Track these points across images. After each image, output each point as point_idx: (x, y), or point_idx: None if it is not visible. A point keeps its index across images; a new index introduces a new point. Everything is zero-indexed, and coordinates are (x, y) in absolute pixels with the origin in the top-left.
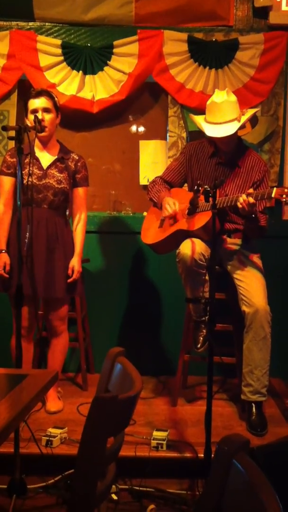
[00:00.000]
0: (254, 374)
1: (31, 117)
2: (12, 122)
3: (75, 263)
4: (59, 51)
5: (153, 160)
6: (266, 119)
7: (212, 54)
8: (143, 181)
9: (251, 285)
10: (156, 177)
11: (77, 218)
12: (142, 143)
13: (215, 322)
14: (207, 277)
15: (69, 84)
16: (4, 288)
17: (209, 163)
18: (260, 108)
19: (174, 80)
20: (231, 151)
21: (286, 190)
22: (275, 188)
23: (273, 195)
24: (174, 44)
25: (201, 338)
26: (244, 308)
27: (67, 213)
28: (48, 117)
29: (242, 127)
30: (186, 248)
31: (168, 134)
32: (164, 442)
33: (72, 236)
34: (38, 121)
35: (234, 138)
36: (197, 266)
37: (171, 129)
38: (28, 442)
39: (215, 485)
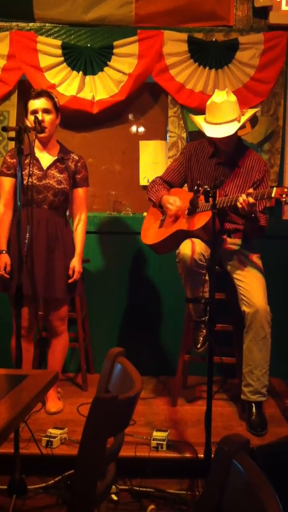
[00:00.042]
0: (254, 374)
1: (31, 117)
2: (12, 122)
3: (75, 263)
4: (59, 51)
5: (153, 160)
6: (266, 119)
7: (212, 54)
8: (143, 181)
9: (251, 285)
10: (156, 177)
11: (77, 218)
12: (142, 144)
13: (215, 322)
14: (207, 277)
15: (69, 84)
16: (4, 288)
17: (209, 163)
18: (260, 108)
19: (174, 80)
20: (231, 151)
21: (286, 190)
22: (275, 188)
23: (273, 195)
24: (174, 44)
25: (201, 338)
26: (244, 308)
27: (67, 213)
28: (48, 118)
29: (242, 127)
30: (186, 248)
31: (168, 134)
32: (164, 442)
33: (72, 236)
34: (38, 121)
35: (234, 138)
36: (197, 266)
37: (171, 129)
38: (28, 442)
39: (215, 485)
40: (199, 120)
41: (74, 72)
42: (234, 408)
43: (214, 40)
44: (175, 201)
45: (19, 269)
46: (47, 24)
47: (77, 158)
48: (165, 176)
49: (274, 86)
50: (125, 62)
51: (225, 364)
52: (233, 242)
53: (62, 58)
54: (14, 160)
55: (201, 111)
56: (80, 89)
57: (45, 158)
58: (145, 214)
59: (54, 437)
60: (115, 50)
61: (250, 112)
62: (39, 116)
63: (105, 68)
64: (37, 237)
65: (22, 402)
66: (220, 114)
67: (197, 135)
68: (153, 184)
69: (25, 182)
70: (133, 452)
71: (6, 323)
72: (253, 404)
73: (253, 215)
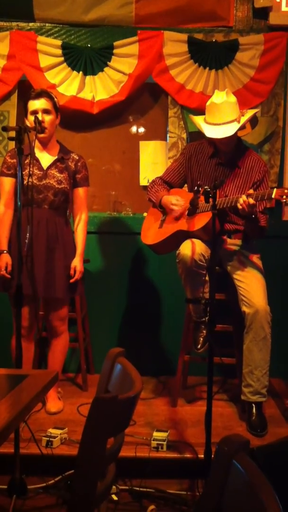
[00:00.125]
0: (254, 374)
1: (31, 118)
2: (12, 122)
3: (77, 263)
4: (59, 51)
5: (153, 160)
6: (266, 120)
7: (212, 55)
8: (143, 181)
9: (251, 286)
10: (156, 178)
11: (78, 218)
12: (142, 144)
13: (215, 323)
14: (207, 278)
15: (69, 84)
16: (4, 288)
17: (209, 163)
18: (260, 109)
19: (174, 81)
20: (231, 151)
21: (286, 190)
22: (275, 189)
23: (273, 195)
24: (174, 44)
25: (201, 339)
26: (244, 308)
27: (68, 213)
28: (48, 118)
29: (242, 128)
30: (186, 248)
31: (168, 135)
32: (164, 443)
33: (73, 236)
34: (38, 121)
35: (234, 139)
36: (197, 266)
37: (171, 130)
38: (28, 442)
39: (215, 485)
40: (199, 120)
41: (74, 72)
42: (234, 408)
43: (214, 40)
44: (178, 200)
45: (19, 269)
46: (47, 24)
47: (77, 158)
48: (165, 176)
49: (274, 87)
50: (125, 62)
51: (225, 364)
52: (233, 243)
53: (62, 58)
54: (14, 160)
55: (201, 111)
56: (80, 89)
57: (45, 158)
58: (145, 214)
59: (54, 437)
60: (115, 51)
61: (250, 113)
62: (39, 116)
63: (105, 68)
64: (37, 237)
65: (22, 402)
66: (220, 114)
67: (197, 135)
68: (153, 184)
69: (25, 182)
70: (133, 452)
71: (7, 323)
72: (253, 405)
73: (253, 216)
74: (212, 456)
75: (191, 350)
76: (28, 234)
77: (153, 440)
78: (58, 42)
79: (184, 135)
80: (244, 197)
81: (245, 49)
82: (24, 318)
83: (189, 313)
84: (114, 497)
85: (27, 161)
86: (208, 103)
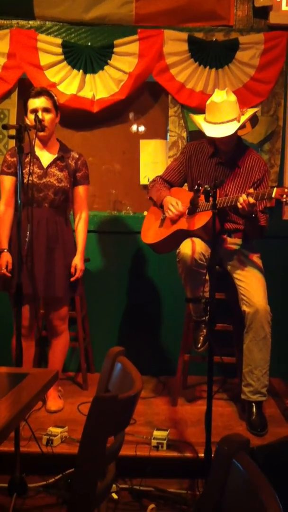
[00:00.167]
0: (254, 374)
1: (31, 116)
2: (13, 121)
3: (77, 261)
4: (60, 50)
5: (153, 159)
6: (266, 119)
7: (212, 54)
8: (143, 180)
9: (251, 285)
10: (156, 177)
11: (78, 216)
12: (143, 143)
13: (215, 322)
14: (207, 277)
15: (69, 83)
16: (5, 287)
17: (209, 163)
18: (260, 108)
19: (174, 80)
20: (231, 151)
21: (286, 190)
22: (275, 188)
23: (273, 195)
24: (174, 43)
25: (201, 338)
26: (244, 308)
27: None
28: (48, 117)
29: (242, 127)
30: (186, 248)
31: (168, 134)
32: (165, 442)
33: (73, 235)
34: (38, 120)
35: (234, 138)
36: (197, 266)
37: (171, 129)
38: (29, 441)
39: (215, 485)
40: (199, 119)
41: (75, 71)
42: (234, 408)
43: (214, 40)
44: (178, 204)
45: (19, 268)
46: (47, 23)
47: (77, 156)
48: (165, 175)
49: (274, 86)
50: (125, 61)
51: (225, 364)
52: (233, 242)
53: (62, 57)
54: (14, 159)
55: (201, 110)
56: (80, 88)
57: (45, 157)
58: (145, 213)
59: (55, 436)
60: (115, 49)
61: (250, 112)
62: (39, 115)
63: (106, 67)
64: (37, 236)
65: (22, 400)
66: (220, 113)
67: (197, 134)
68: (153, 183)
69: (25, 180)
70: (134, 451)
71: (7, 323)
72: (253, 404)
73: (253, 215)
74: (212, 455)
75: (191, 349)
76: (28, 233)
77: (153, 439)
78: (59, 41)
79: (184, 134)
80: (244, 196)
81: (245, 48)
82: (24, 318)
83: (189, 313)
84: (114, 496)
85: (27, 159)
86: (208, 102)
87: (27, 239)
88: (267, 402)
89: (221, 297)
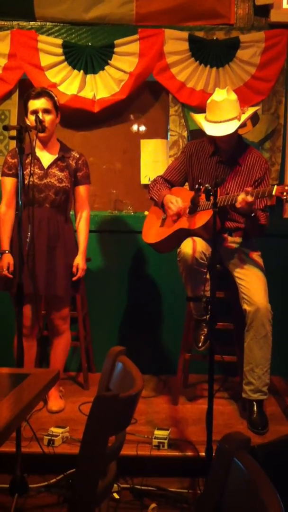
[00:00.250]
0: (255, 372)
1: (31, 117)
2: (13, 121)
3: (79, 261)
4: (60, 50)
5: (154, 159)
6: (267, 117)
7: (213, 53)
8: (144, 180)
9: (252, 284)
10: (157, 176)
11: (79, 216)
12: (143, 142)
13: (216, 321)
14: (208, 276)
15: (70, 83)
16: (6, 287)
17: (210, 161)
18: (261, 106)
19: (175, 79)
20: (231, 149)
21: (286, 187)
22: (275, 186)
23: (274, 192)
24: (175, 42)
25: (202, 337)
26: (245, 306)
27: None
28: (48, 118)
29: (243, 125)
30: (187, 247)
31: (169, 133)
32: (166, 441)
33: (74, 234)
34: (39, 120)
35: (234, 137)
36: (198, 264)
37: (172, 128)
38: (30, 441)
39: (215, 483)
40: (199, 118)
41: (75, 71)
42: (235, 406)
43: (215, 38)
44: (177, 201)
45: (20, 268)
46: (48, 23)
47: (77, 156)
48: (166, 175)
49: (275, 84)
50: (126, 60)
51: (226, 362)
52: (234, 241)
53: (63, 57)
54: (15, 160)
55: (202, 109)
56: (81, 88)
57: (46, 157)
58: (146, 213)
59: (56, 436)
60: (116, 49)
61: (250, 111)
62: (40, 116)
63: (106, 67)
64: (38, 236)
65: (23, 400)
66: (220, 112)
67: (198, 133)
68: (154, 183)
69: (26, 181)
70: (135, 450)
71: (9, 323)
72: (254, 403)
73: (252, 214)
74: (213, 454)
75: (192, 348)
76: (29, 233)
77: (154, 439)
78: (59, 41)
79: (185, 133)
80: (242, 194)
81: (246, 46)
82: (26, 317)
83: (190, 311)
84: (116, 496)
85: (28, 160)
86: (208, 101)
87: (28, 240)
88: (268, 400)
89: (222, 296)
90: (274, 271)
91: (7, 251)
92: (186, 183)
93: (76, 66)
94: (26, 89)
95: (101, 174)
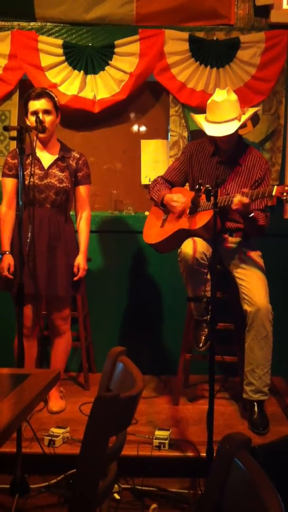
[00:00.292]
0: (256, 373)
1: (31, 118)
2: (14, 122)
3: (80, 260)
4: (60, 51)
5: (154, 159)
6: (267, 118)
7: (213, 53)
8: (144, 180)
9: (253, 284)
10: (157, 177)
11: (80, 216)
12: (144, 143)
13: (217, 321)
14: (208, 276)
15: (70, 84)
16: (7, 287)
17: (210, 162)
18: (261, 107)
19: (175, 79)
20: (232, 149)
21: (286, 188)
22: (275, 186)
23: (274, 193)
24: (175, 43)
25: (203, 338)
26: (245, 307)
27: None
28: (48, 118)
29: (243, 126)
30: (188, 247)
31: (169, 134)
32: (166, 441)
33: (74, 233)
34: (39, 121)
35: (234, 137)
36: (198, 265)
37: (172, 129)
38: (31, 441)
39: (216, 483)
40: (199, 119)
41: (75, 72)
42: (235, 406)
43: (215, 39)
44: (179, 197)
45: (20, 268)
46: (48, 24)
47: (78, 156)
48: (166, 175)
49: (275, 85)
50: (126, 61)
51: (226, 362)
52: (234, 241)
53: (63, 58)
54: (16, 161)
55: (202, 110)
56: (81, 88)
57: (46, 157)
58: (146, 213)
59: (57, 436)
60: (116, 49)
61: (250, 111)
62: (40, 117)
63: (106, 67)
64: (39, 236)
65: (24, 401)
66: (221, 113)
67: (198, 134)
68: (154, 183)
69: (26, 182)
70: (135, 451)
71: (10, 323)
72: (255, 403)
73: (250, 215)
74: (214, 454)
75: (193, 348)
76: (29, 234)
77: (155, 439)
78: (59, 42)
79: (186, 134)
80: (238, 196)
81: (246, 47)
82: (26, 318)
83: (191, 312)
84: (116, 496)
85: (28, 161)
86: (209, 101)
87: (28, 240)
88: (269, 400)
89: (222, 296)
90: (274, 271)
91: (7, 252)
92: (187, 184)
93: (76, 67)
94: (26, 90)
95: (102, 174)
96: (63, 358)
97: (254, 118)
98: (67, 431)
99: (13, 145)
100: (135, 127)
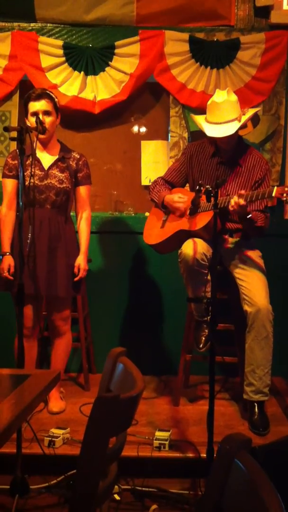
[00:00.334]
0: (256, 373)
1: (32, 119)
2: (14, 122)
3: (81, 261)
4: (61, 51)
5: (154, 160)
6: (268, 118)
7: (213, 54)
8: (144, 181)
9: (253, 285)
10: (157, 178)
11: (80, 216)
12: (144, 143)
13: (217, 322)
14: (209, 277)
15: (70, 84)
16: (7, 288)
17: (210, 163)
18: (261, 108)
19: (175, 80)
20: (232, 150)
21: (286, 189)
22: (275, 187)
23: (274, 194)
24: (175, 44)
25: (203, 338)
26: (246, 307)
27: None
28: (48, 119)
29: (243, 127)
30: (188, 248)
31: (169, 134)
32: (167, 442)
33: (75, 234)
34: (40, 122)
35: (234, 138)
36: (198, 266)
37: (172, 129)
38: (31, 442)
39: (216, 484)
40: (199, 120)
41: (76, 72)
42: (236, 407)
43: (215, 39)
44: (180, 197)
45: (21, 268)
46: (48, 24)
47: (78, 157)
48: (166, 176)
49: (276, 85)
50: (126, 62)
51: (226, 363)
52: (234, 242)
53: (63, 58)
54: (16, 162)
55: (202, 111)
56: (81, 89)
57: (46, 158)
58: (147, 214)
59: (57, 437)
60: (116, 50)
61: (250, 112)
62: (40, 117)
63: (107, 68)
64: (39, 236)
65: (24, 401)
66: (221, 113)
67: (199, 135)
68: (155, 184)
69: (27, 183)
70: (136, 451)
71: (11, 324)
72: (255, 404)
73: (249, 216)
74: (214, 455)
75: (193, 349)
76: (30, 235)
77: (155, 440)
78: (60, 42)
79: (186, 135)
80: (235, 197)
81: (246, 48)
82: (27, 318)
83: (191, 312)
84: (116, 497)
85: (28, 161)
86: (209, 102)
87: (28, 241)
88: (269, 401)
89: (222, 297)
90: (274, 271)
91: (7, 253)
92: (187, 184)
93: (76, 68)
94: (26, 90)
95: (102, 175)
96: (63, 358)
97: (255, 119)
98: (67, 431)
99: (13, 145)
100: (135, 128)
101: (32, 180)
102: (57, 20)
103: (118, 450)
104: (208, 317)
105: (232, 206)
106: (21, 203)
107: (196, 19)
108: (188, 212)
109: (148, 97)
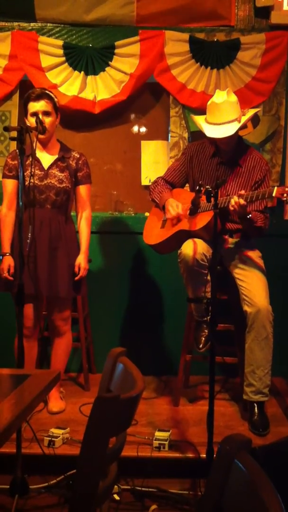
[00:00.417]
0: (256, 374)
1: (31, 119)
2: (14, 122)
3: (81, 260)
4: (61, 51)
5: (154, 160)
6: (268, 119)
7: (213, 54)
8: (144, 181)
9: (253, 285)
10: (158, 178)
11: (81, 216)
12: (144, 144)
13: (217, 322)
14: (209, 277)
15: (70, 84)
16: (7, 288)
17: (210, 163)
18: (261, 108)
19: (175, 80)
20: (232, 150)
21: (287, 189)
22: (276, 187)
23: (274, 194)
24: (175, 44)
25: (203, 338)
26: (246, 308)
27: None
28: (48, 120)
29: (243, 127)
30: (188, 248)
31: (170, 135)
32: (166, 442)
33: (75, 234)
34: (39, 122)
35: (234, 138)
36: (198, 266)
37: (172, 130)
38: (31, 442)
39: (215, 484)
40: (199, 120)
41: (76, 72)
42: (236, 407)
43: (215, 40)
44: (178, 207)
45: (21, 268)
46: (48, 24)
47: (78, 156)
48: (167, 176)
49: (276, 86)
50: (126, 62)
51: (226, 363)
52: (234, 242)
53: (63, 58)
54: (16, 162)
55: (202, 111)
56: (81, 89)
57: (46, 158)
58: (147, 214)
59: (56, 437)
60: (116, 50)
61: (250, 112)
62: (40, 117)
63: (107, 68)
64: (39, 237)
65: (24, 401)
66: (221, 114)
67: (199, 135)
68: (155, 184)
69: (26, 183)
70: (135, 452)
71: (11, 324)
72: (255, 404)
73: (247, 216)
74: (214, 455)
75: (193, 349)
76: (30, 235)
77: (155, 440)
78: (60, 42)
79: (186, 135)
80: (235, 197)
81: (247, 48)
82: (27, 318)
83: (191, 313)
84: (116, 497)
85: (28, 161)
86: (209, 102)
87: (28, 241)
88: (269, 401)
89: (222, 297)
90: (275, 272)
91: (7, 253)
92: (187, 184)
93: (76, 67)
94: (26, 90)
95: (102, 175)
96: (63, 358)
97: (255, 119)
98: (67, 431)
99: (13, 145)
100: (135, 128)
101: (32, 180)
102: (57, 20)
103: (118, 450)
104: (208, 317)
105: (232, 206)
106: (21, 203)
107: (196, 19)
108: (188, 212)
109: (148, 97)
